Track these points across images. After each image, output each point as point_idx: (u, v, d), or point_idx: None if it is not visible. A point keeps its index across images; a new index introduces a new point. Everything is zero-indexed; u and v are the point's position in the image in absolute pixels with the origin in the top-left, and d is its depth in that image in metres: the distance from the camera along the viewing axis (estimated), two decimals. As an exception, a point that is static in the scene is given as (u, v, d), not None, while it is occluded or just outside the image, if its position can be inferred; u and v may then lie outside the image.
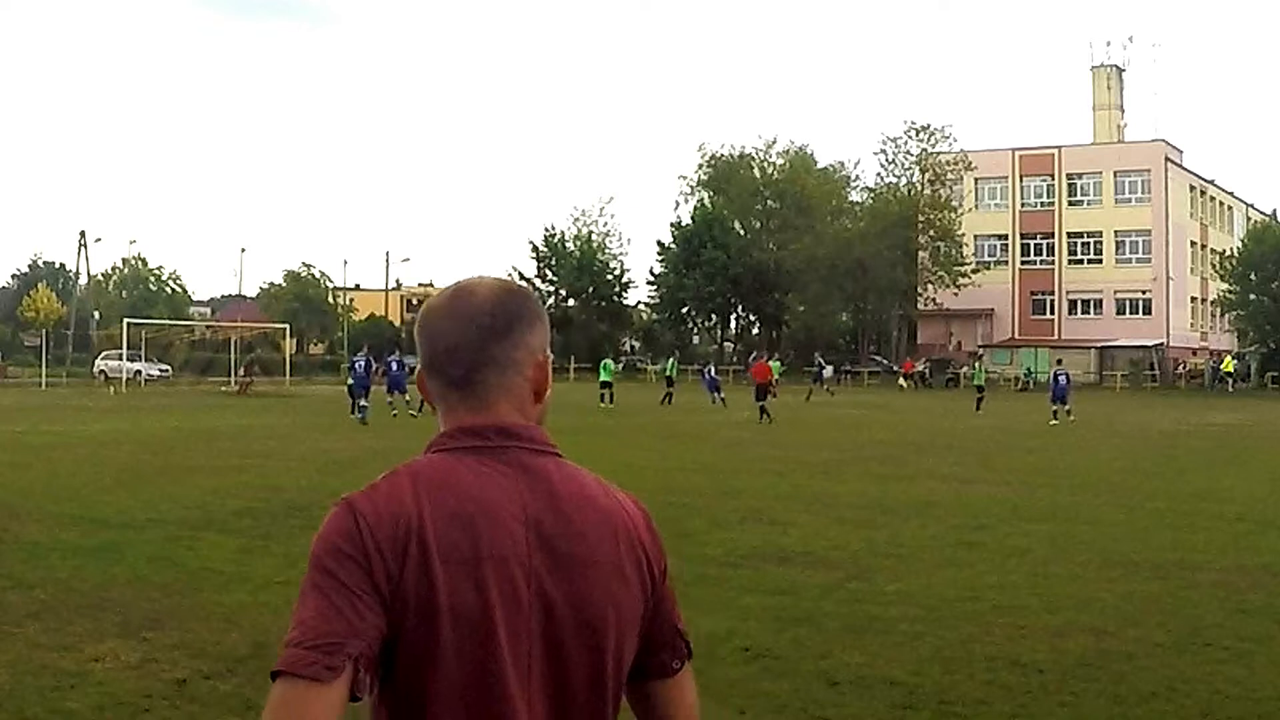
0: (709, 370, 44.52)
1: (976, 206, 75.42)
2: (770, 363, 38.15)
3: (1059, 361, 37.41)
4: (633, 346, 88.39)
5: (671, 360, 45.78)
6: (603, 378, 38.89)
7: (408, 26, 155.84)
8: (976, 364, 44.19)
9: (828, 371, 52.39)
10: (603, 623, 1.61)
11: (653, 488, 14.74)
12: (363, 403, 28.19)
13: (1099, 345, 69.06)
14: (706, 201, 79.91)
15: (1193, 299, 77.61)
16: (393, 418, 28.39)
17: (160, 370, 57.19)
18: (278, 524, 11.00)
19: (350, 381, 30.49)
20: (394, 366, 31.12)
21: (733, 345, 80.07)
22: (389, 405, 29.98)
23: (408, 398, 29.28)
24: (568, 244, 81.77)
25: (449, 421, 1.67)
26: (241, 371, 45.22)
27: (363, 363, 29.78)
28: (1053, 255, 76.29)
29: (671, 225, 79.60)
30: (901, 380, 60.77)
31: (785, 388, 50.87)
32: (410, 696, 1.53)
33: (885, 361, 73.38)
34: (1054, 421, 29.82)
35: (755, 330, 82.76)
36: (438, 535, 1.52)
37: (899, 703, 5.76)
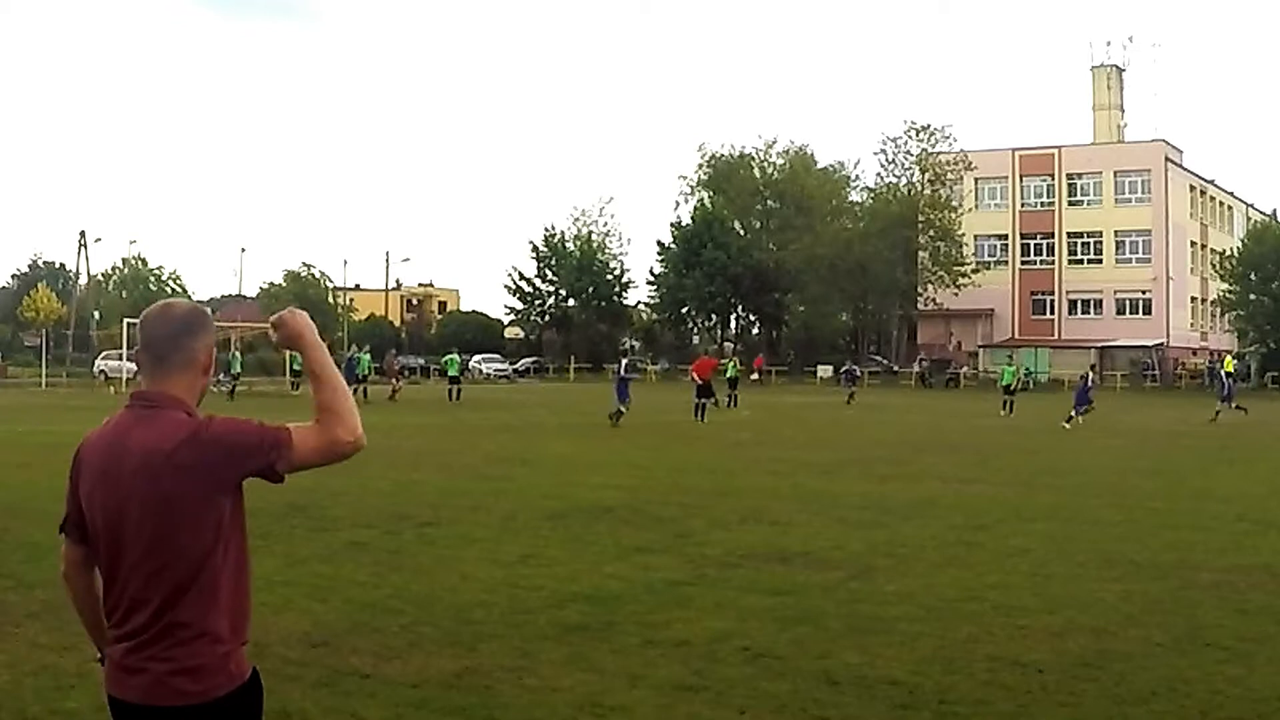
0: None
1: (976, 206, 75.43)
2: (721, 361, 36.64)
3: (854, 356, 37.46)
4: (633, 346, 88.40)
5: (731, 362, 41.41)
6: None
7: (409, 26, 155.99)
8: (1006, 364, 40.31)
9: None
10: (148, 505, 2.55)
11: (654, 487, 14.79)
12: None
13: (1099, 345, 69.06)
14: (706, 201, 79.90)
15: (1193, 299, 77.61)
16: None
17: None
18: (278, 524, 10.98)
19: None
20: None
21: (733, 345, 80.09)
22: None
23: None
24: (568, 244, 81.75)
25: (144, 385, 2.69)
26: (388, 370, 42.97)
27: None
28: (1053, 255, 76.29)
29: (671, 225, 79.74)
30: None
31: (782, 388, 50.89)
32: (95, 551, 2.68)
33: (885, 361, 73.39)
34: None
35: (755, 330, 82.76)
36: (86, 455, 2.71)
37: (899, 703, 5.76)
